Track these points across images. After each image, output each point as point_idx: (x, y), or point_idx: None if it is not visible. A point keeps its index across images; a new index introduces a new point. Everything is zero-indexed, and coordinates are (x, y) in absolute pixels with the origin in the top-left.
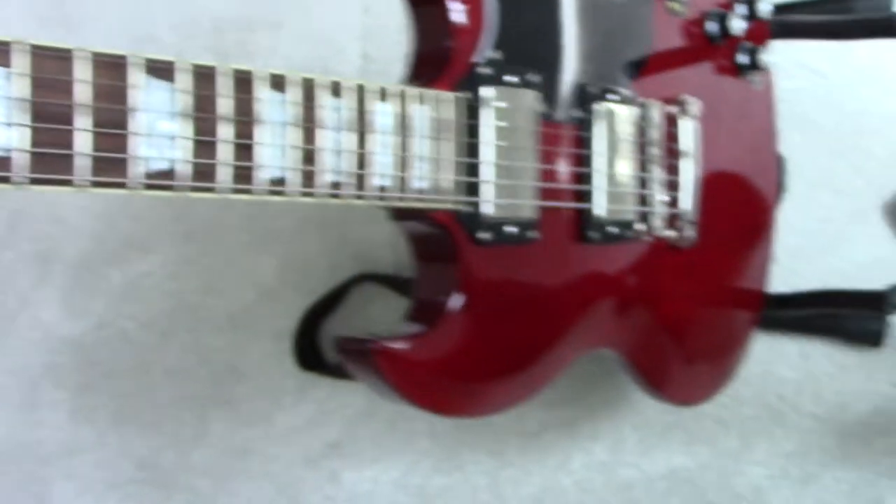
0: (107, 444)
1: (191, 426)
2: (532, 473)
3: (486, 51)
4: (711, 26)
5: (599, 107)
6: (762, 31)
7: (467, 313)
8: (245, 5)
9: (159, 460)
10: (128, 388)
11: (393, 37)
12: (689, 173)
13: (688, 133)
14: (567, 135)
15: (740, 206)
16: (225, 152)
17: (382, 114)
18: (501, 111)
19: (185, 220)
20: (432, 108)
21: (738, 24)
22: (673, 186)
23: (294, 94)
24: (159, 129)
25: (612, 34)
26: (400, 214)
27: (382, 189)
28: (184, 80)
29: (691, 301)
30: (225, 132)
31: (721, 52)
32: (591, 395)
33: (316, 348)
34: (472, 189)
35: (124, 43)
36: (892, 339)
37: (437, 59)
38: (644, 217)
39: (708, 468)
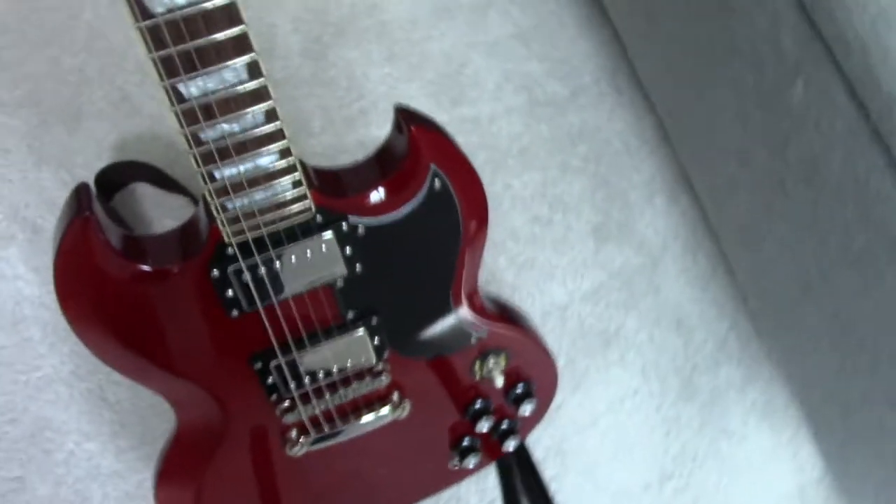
0: None
1: None
2: None
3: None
4: (477, 406)
5: (355, 329)
6: (497, 451)
7: (144, 285)
8: None
9: None
10: None
11: None
12: (343, 431)
13: (376, 415)
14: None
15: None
16: None
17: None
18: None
19: None
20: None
21: (483, 425)
22: (328, 419)
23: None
24: None
25: (426, 317)
26: (202, 199)
27: (211, 177)
28: None
29: None
30: None
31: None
32: None
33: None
34: (248, 251)
35: None
36: None
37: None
38: (290, 404)
39: None
